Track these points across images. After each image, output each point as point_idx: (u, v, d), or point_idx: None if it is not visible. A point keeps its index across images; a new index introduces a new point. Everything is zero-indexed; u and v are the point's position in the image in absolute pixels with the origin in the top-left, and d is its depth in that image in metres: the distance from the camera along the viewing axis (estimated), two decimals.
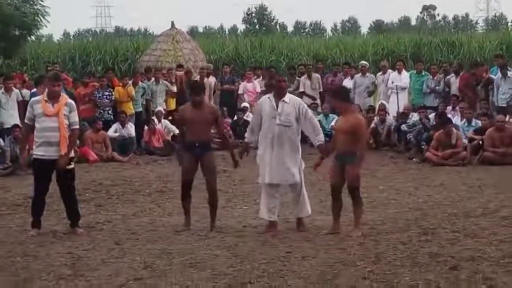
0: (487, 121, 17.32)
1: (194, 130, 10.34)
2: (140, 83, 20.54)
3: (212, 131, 11.23)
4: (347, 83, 20.92)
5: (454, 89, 20.49)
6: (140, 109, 20.22)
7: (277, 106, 10.10)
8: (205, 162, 10.41)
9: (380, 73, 22.15)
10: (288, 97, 10.28)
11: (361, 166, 10.13)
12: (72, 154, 10.37)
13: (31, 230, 10.23)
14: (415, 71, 21.99)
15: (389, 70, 22.10)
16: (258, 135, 10.31)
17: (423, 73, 21.42)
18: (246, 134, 10.61)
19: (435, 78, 20.91)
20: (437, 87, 20.69)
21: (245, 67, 26.81)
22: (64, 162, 10.07)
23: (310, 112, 10.51)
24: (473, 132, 17.37)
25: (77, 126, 10.41)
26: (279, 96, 10.19)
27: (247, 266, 8.15)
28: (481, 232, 9.66)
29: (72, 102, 10.47)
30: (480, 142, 16.86)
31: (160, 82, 20.77)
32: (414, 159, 17.24)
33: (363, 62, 22.56)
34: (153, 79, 20.88)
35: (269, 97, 10.35)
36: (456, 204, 11.86)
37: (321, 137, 10.24)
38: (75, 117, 10.29)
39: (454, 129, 16.97)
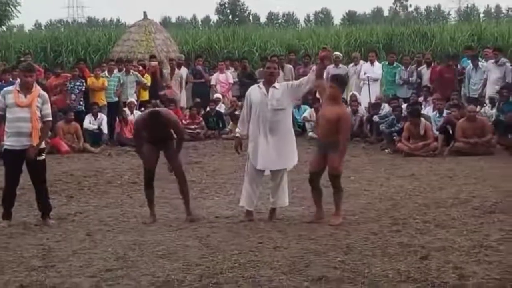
0: (457, 112, 17.42)
1: (154, 134, 10.37)
2: (115, 72, 20.47)
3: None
4: None
5: (426, 80, 20.63)
6: (114, 99, 20.12)
7: (267, 92, 10.15)
8: (167, 149, 10.42)
9: (352, 64, 22.20)
10: (277, 84, 10.38)
11: (343, 156, 10.19)
12: (43, 145, 10.31)
13: (2, 222, 10.18)
14: (387, 62, 22.08)
15: (361, 61, 22.20)
16: (248, 126, 10.35)
17: (395, 64, 21.51)
18: (237, 127, 10.64)
19: (408, 69, 21.00)
20: (410, 78, 20.79)
21: (218, 58, 26.69)
22: (33, 153, 10.01)
23: (294, 82, 10.71)
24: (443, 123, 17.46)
25: (50, 118, 10.36)
26: (268, 83, 10.27)
27: (219, 256, 8.14)
28: (451, 222, 9.73)
29: (45, 94, 10.41)
30: (450, 131, 16.97)
31: (131, 73, 20.67)
32: (386, 150, 17.34)
33: (337, 53, 22.57)
34: (124, 70, 20.79)
35: (258, 85, 10.46)
36: (427, 195, 11.94)
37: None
38: (47, 109, 10.23)
39: (423, 120, 17.05)
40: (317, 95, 20.26)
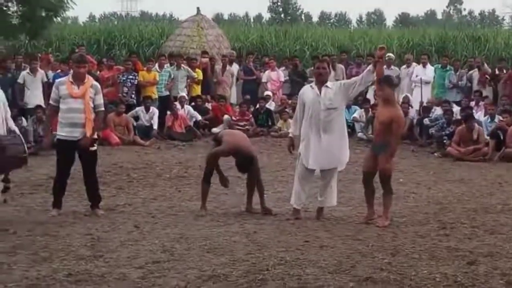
0: (508, 117, 17.24)
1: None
2: (165, 66, 20.60)
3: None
4: None
5: (476, 84, 20.46)
6: (165, 93, 20.23)
7: (320, 92, 10.16)
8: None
9: (405, 66, 22.09)
10: (330, 83, 10.39)
11: (392, 157, 10.16)
12: (95, 136, 10.41)
13: (52, 210, 10.31)
14: (439, 65, 21.94)
15: (414, 64, 22.06)
16: (301, 126, 10.37)
17: (447, 68, 21.36)
18: (290, 128, 10.75)
19: (458, 73, 20.86)
20: (460, 82, 20.63)
21: (270, 55, 26.73)
22: (86, 143, 10.11)
23: (349, 81, 10.70)
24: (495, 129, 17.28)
25: (103, 108, 10.48)
26: (320, 82, 10.27)
27: (265, 253, 8.15)
28: (500, 228, 9.64)
29: (98, 84, 10.51)
30: (501, 137, 16.79)
31: (182, 67, 20.76)
32: (435, 154, 17.20)
33: (390, 54, 22.46)
34: (175, 64, 20.89)
35: (311, 85, 10.48)
36: (475, 200, 11.84)
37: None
38: (100, 100, 10.34)
39: (476, 125, 16.92)
40: (367, 96, 20.25)
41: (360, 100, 20.05)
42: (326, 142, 10.09)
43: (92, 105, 10.17)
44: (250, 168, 10.59)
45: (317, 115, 10.08)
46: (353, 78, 10.74)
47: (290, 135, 10.65)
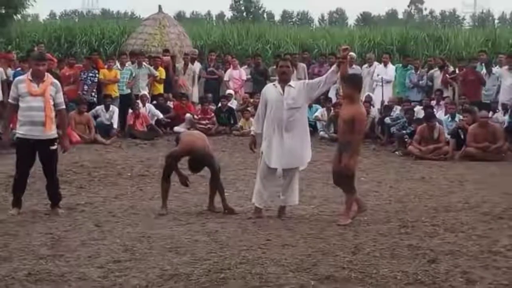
0: (469, 117, 17.40)
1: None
2: (127, 64, 20.50)
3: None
4: None
5: (438, 83, 20.62)
6: (126, 91, 20.12)
7: (283, 91, 10.15)
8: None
9: (366, 65, 22.20)
10: (293, 82, 10.40)
11: (357, 155, 10.19)
12: (55, 134, 10.31)
13: (12, 209, 10.21)
14: (400, 65, 22.09)
15: (375, 63, 22.18)
16: (263, 125, 10.36)
17: (408, 67, 21.51)
18: (252, 126, 10.75)
19: (418, 72, 21.02)
20: (420, 82, 20.79)
21: (232, 54, 26.72)
22: (67, 144, 10.14)
23: (312, 81, 10.72)
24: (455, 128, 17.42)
25: (64, 107, 10.40)
26: (283, 81, 10.26)
27: (227, 252, 8.16)
28: (460, 227, 9.71)
29: (58, 82, 10.42)
30: (462, 136, 16.94)
31: (143, 66, 20.67)
32: (396, 152, 17.31)
33: (352, 53, 22.56)
34: (136, 62, 20.77)
35: (274, 84, 10.46)
36: (436, 198, 11.92)
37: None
38: (60, 98, 10.26)
39: (437, 124, 17.05)
40: (329, 95, 20.29)
41: (322, 99, 20.09)
42: (288, 142, 10.10)
43: (52, 103, 10.09)
44: (212, 169, 10.58)
45: (280, 114, 10.08)
46: (317, 79, 10.76)
47: (252, 133, 10.65)
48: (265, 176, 10.33)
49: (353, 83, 10.12)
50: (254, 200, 10.41)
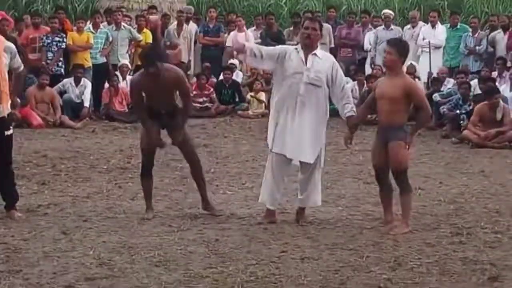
0: None
1: (156, 100, 10.36)
2: (101, 26, 20.49)
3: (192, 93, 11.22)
4: (367, 37, 20.93)
5: (501, 49, 20.45)
6: (101, 60, 20.13)
7: (306, 60, 10.09)
8: (172, 125, 10.46)
9: (409, 26, 22.16)
10: (320, 52, 10.31)
11: (411, 143, 10.03)
12: (7, 111, 10.19)
13: None
14: (448, 25, 21.93)
15: (420, 23, 22.13)
16: (261, 62, 10.34)
17: (458, 26, 21.37)
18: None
19: (476, 35, 20.88)
20: (477, 47, 20.68)
21: (236, 12, 26.59)
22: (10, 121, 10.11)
23: (343, 75, 10.57)
24: None
25: (22, 67, 10.40)
26: (308, 48, 10.14)
27: (230, 267, 8.18)
28: None
29: (12, 45, 10.35)
30: None
31: (122, 27, 20.63)
32: (449, 139, 17.26)
33: (387, 11, 22.54)
34: (113, 23, 20.75)
35: (296, 48, 10.29)
36: (499, 197, 11.92)
37: (352, 107, 10.19)
38: (18, 61, 10.25)
39: (501, 101, 16.95)
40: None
41: (353, 70, 20.07)
42: (299, 126, 9.98)
43: (6, 72, 10.01)
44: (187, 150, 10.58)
45: (296, 88, 10.00)
46: (349, 85, 10.56)
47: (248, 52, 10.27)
48: (278, 169, 10.24)
49: (399, 49, 9.97)
50: (263, 200, 10.37)
